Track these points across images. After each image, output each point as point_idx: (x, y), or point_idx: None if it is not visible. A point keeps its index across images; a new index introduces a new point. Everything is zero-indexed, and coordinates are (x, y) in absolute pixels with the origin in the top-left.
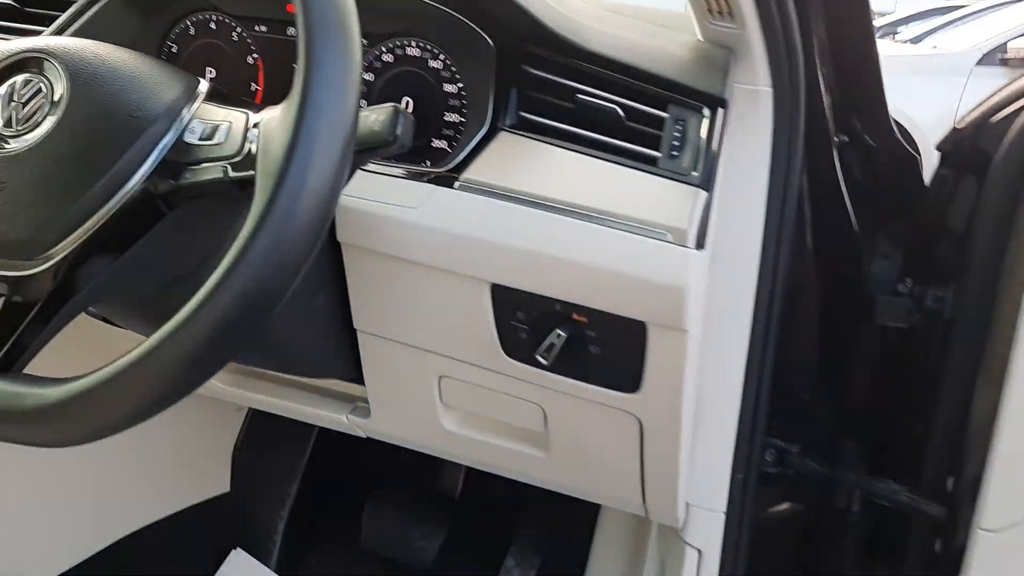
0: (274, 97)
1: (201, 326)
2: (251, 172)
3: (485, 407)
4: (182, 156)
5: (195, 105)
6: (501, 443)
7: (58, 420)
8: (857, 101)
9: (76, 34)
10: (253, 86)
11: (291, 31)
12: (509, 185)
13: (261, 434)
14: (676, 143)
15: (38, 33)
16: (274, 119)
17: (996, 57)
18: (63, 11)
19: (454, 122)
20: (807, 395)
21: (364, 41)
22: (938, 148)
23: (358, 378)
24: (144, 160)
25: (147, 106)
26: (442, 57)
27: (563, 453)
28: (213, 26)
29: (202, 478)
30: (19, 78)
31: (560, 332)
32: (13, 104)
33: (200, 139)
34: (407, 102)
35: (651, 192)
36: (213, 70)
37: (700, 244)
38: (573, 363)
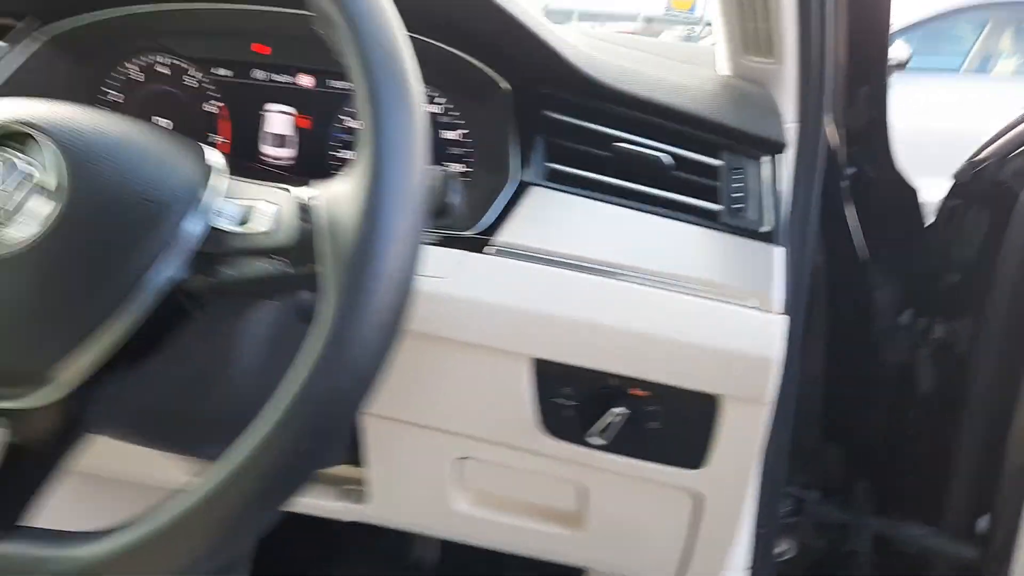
0: (242, 149)
1: (277, 452)
2: (316, 268)
3: (508, 488)
4: (215, 246)
5: (219, 182)
6: (524, 524)
7: None
8: (862, 132)
9: (6, 86)
10: (213, 137)
11: (257, 74)
12: (549, 247)
13: None
14: (738, 194)
15: None
16: (338, 198)
17: None
18: None
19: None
20: (817, 437)
21: (348, 84)
22: (954, 177)
23: (351, 461)
24: (167, 255)
25: (163, 187)
26: (439, 100)
27: (599, 530)
28: (163, 70)
29: None
30: None
31: (618, 410)
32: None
33: (237, 225)
34: None
35: (717, 249)
36: (169, 121)
37: (785, 308)
38: (629, 441)
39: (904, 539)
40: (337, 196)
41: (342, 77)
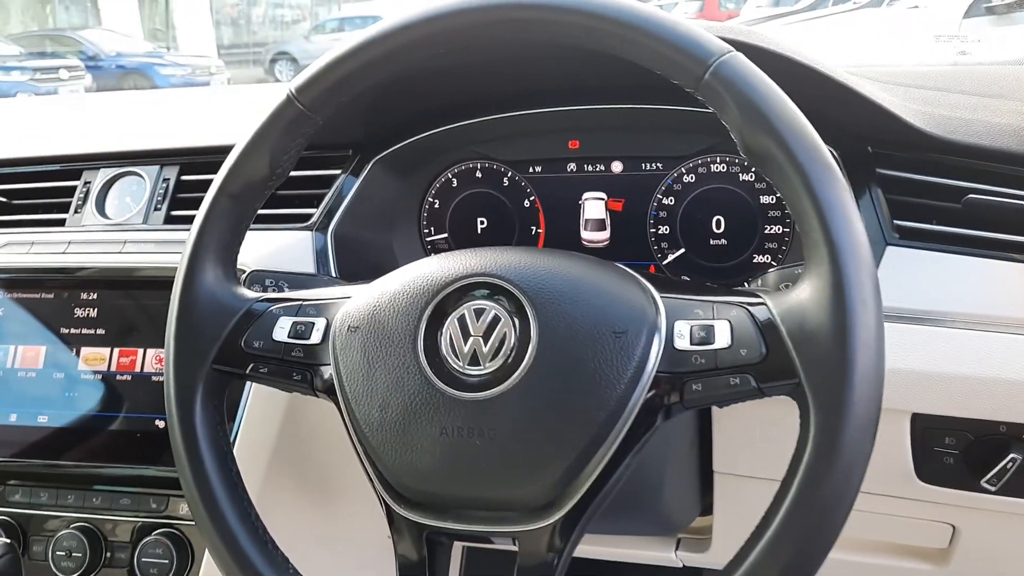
0: (558, 238)
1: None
2: (791, 381)
3: (869, 531)
4: (679, 366)
5: (665, 305)
6: (879, 562)
7: None
8: None
9: (347, 210)
10: (535, 230)
11: (570, 167)
12: (920, 307)
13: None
14: None
15: (305, 218)
16: (799, 311)
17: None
18: (317, 188)
19: (776, 234)
20: None
21: (659, 166)
22: None
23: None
24: (640, 378)
25: (626, 318)
26: (754, 168)
27: (966, 565)
28: (479, 175)
29: None
30: (467, 308)
31: (1015, 456)
32: (472, 338)
33: (694, 343)
34: (717, 220)
35: None
36: (484, 219)
37: None
38: (1019, 482)
39: None
40: (797, 308)
41: (651, 160)
